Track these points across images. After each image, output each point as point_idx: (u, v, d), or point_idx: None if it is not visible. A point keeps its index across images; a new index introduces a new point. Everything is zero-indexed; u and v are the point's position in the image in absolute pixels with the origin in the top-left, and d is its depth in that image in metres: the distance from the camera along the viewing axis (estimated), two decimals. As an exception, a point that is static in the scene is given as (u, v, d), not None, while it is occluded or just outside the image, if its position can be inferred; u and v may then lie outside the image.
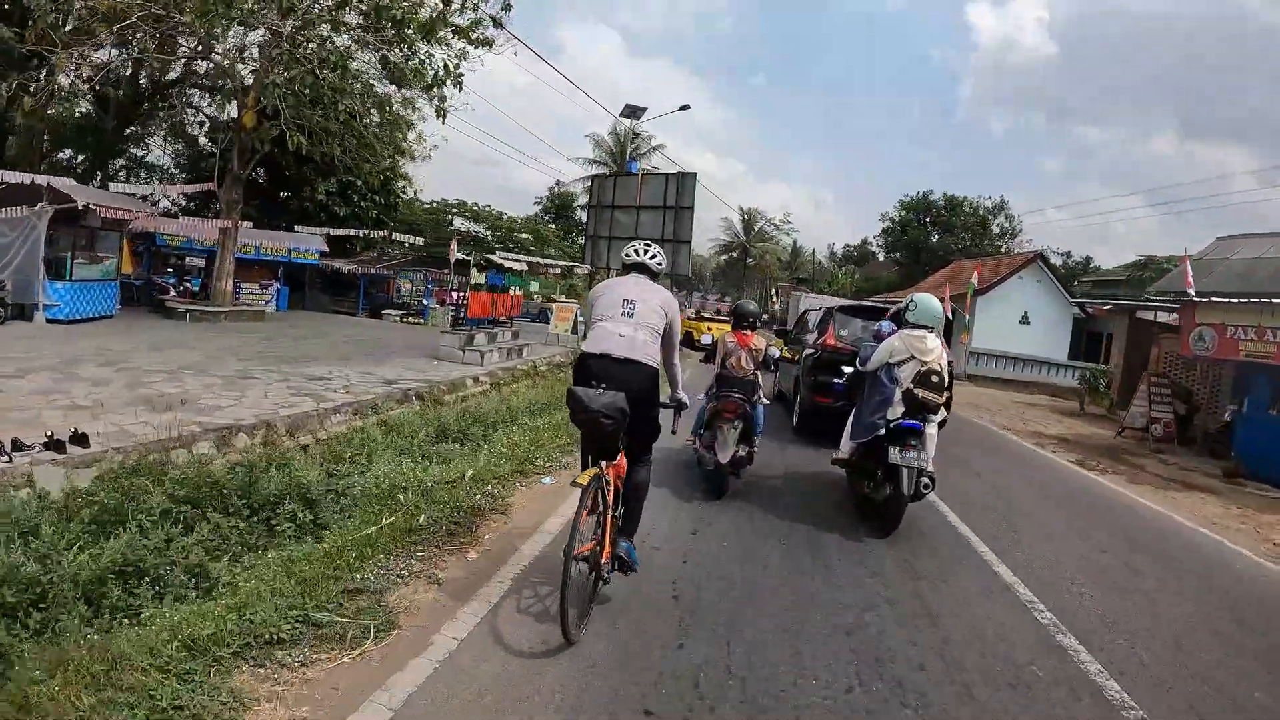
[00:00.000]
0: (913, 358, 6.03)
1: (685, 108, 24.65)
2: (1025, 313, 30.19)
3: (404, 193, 27.46)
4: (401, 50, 16.06)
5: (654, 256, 4.63)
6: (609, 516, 3.97)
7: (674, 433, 5.04)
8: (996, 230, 47.38)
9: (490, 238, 26.75)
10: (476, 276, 13.88)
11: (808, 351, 10.66)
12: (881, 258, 61.89)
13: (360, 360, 12.83)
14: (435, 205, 28.04)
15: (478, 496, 6.03)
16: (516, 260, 21.89)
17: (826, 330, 10.30)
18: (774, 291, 56.12)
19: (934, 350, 6.09)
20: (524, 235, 26.75)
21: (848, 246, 66.81)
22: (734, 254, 70.65)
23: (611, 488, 4.00)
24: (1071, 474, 11.09)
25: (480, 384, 12.85)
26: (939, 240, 45.24)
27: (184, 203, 26.58)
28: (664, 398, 4.47)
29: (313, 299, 25.24)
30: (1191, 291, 13.63)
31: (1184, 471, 12.18)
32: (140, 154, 28.98)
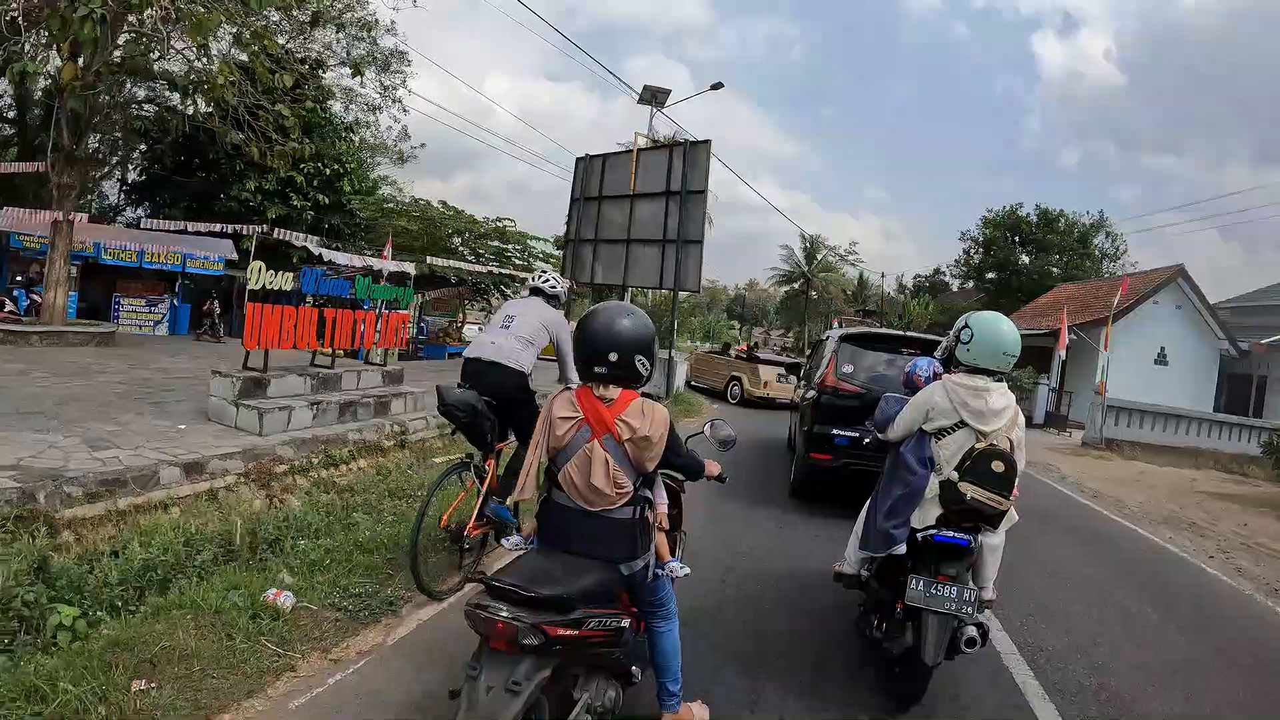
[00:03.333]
0: (963, 424, 3.59)
1: (718, 86, 17.81)
2: (1161, 349, 22.86)
3: (369, 190, 21.62)
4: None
5: (549, 282, 5.35)
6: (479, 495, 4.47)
7: None
8: (1096, 252, 39.73)
9: (452, 240, 20.66)
10: (264, 277, 7.63)
11: (807, 393, 8.57)
12: (955, 288, 54.91)
13: (95, 418, 7.81)
14: (402, 206, 22.08)
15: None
16: (455, 267, 15.92)
17: (827, 365, 7.89)
18: (838, 324, 49.04)
19: (1001, 413, 3.61)
20: (492, 229, 20.38)
21: (919, 276, 59.72)
22: (795, 285, 64.87)
23: (489, 475, 4.63)
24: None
25: (226, 476, 6.64)
26: (1031, 261, 37.74)
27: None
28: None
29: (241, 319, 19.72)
30: None
31: None
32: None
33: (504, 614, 2.39)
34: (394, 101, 28.83)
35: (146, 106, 22.78)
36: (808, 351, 17.21)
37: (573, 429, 2.81)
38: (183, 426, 7.85)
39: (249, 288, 8.15)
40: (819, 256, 63.51)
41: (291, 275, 8.44)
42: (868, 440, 5.37)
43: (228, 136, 15.12)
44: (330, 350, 9.51)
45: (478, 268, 16.46)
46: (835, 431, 7.31)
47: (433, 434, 10.26)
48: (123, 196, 26.79)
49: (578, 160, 16.29)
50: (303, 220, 21.67)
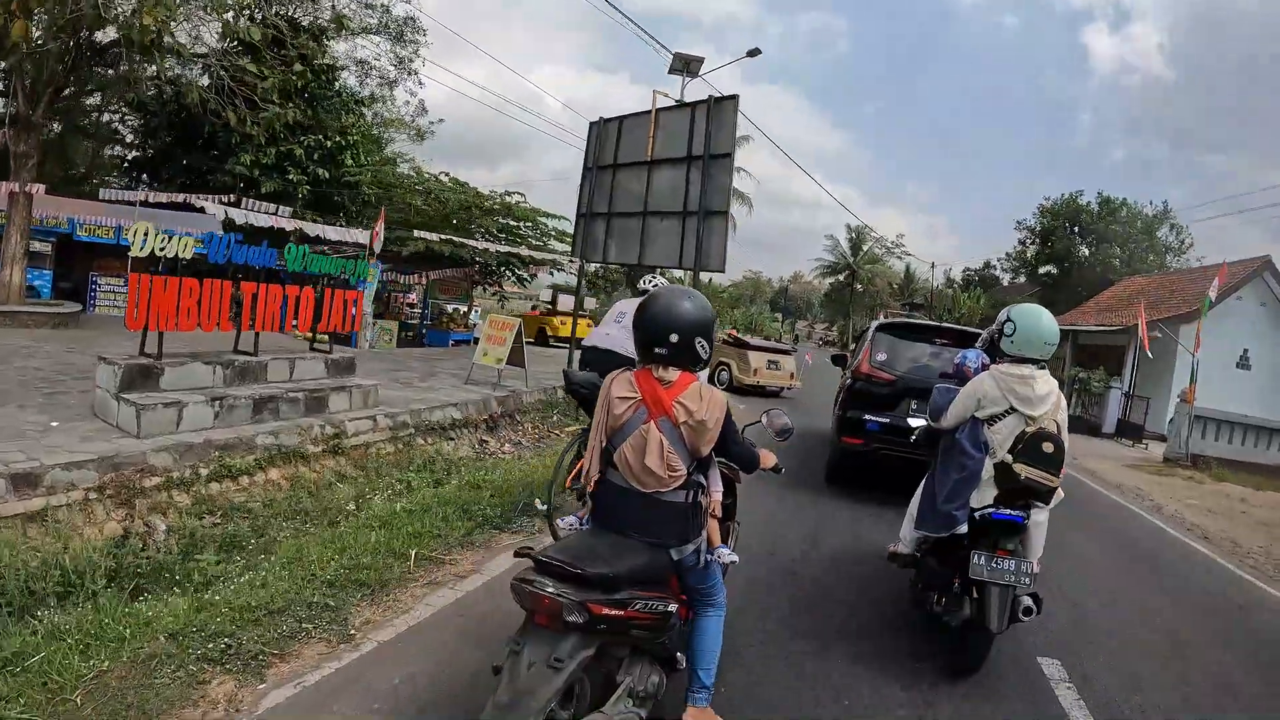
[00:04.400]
0: (1012, 410, 3.95)
1: (755, 53, 15.75)
2: (1245, 352, 20.37)
3: (382, 165, 19.99)
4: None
5: (654, 284, 5.53)
6: None
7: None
8: (1160, 245, 36.83)
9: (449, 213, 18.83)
10: (154, 242, 5.87)
11: (845, 380, 8.84)
12: (1006, 282, 52.27)
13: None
14: (403, 179, 20.24)
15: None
16: (454, 242, 14.01)
17: (862, 353, 8.19)
18: (883, 317, 46.57)
19: (1046, 399, 3.96)
20: (499, 204, 18.37)
21: (968, 270, 57.08)
22: (840, 277, 63.04)
23: None
24: None
25: (71, 491, 5.00)
26: (1090, 254, 35.04)
27: None
28: None
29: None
30: None
31: None
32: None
33: (550, 589, 2.40)
34: (409, 74, 27.40)
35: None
36: (852, 346, 16.31)
37: (630, 409, 2.85)
38: (55, 424, 6.21)
39: (132, 254, 6.44)
40: (865, 248, 61.50)
41: (192, 240, 6.70)
42: (916, 437, 5.07)
43: (191, 96, 13.69)
44: (310, 335, 7.93)
45: (480, 244, 14.67)
46: (867, 417, 7.52)
47: (382, 436, 8.57)
48: (121, 173, 25.59)
49: (591, 125, 14.41)
50: (298, 196, 20.16)
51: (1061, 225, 35.62)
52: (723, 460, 3.29)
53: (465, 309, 21.07)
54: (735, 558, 3.29)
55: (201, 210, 16.65)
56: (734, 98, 11.95)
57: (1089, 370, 18.30)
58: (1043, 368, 4.08)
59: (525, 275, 20.95)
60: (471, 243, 14.36)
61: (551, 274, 21.93)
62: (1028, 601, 3.85)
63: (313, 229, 14.06)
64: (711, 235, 11.74)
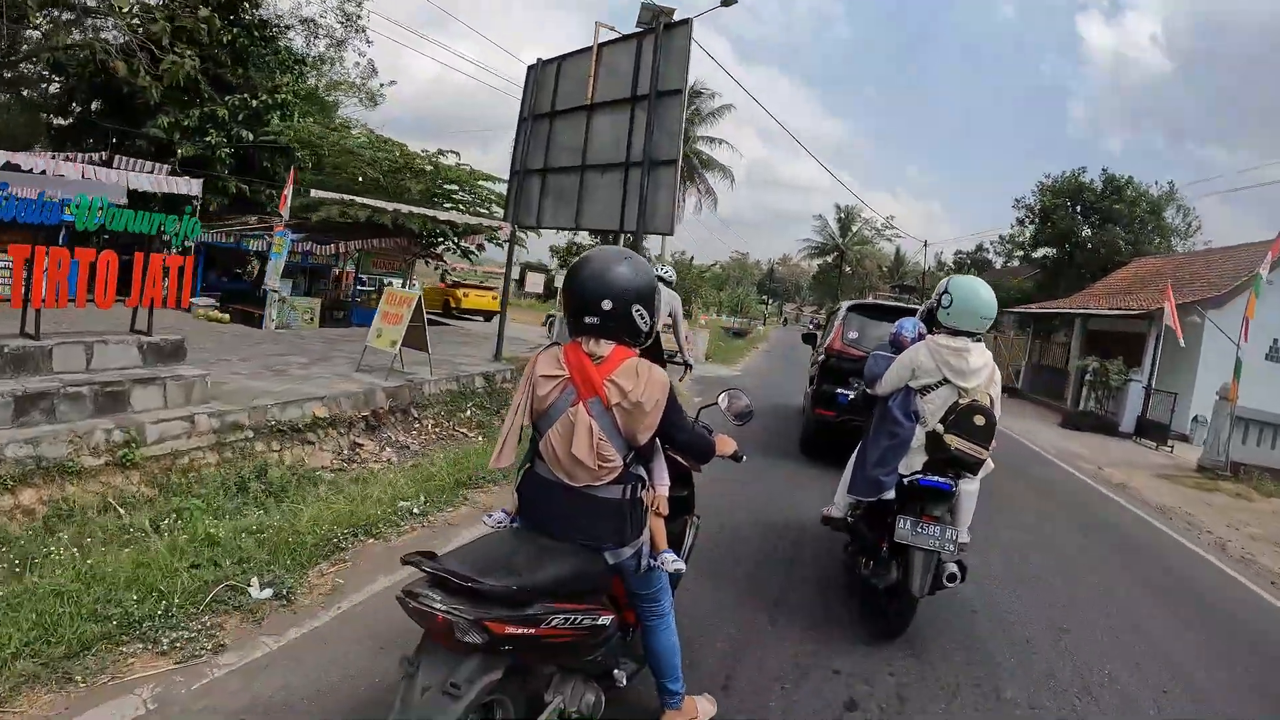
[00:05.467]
0: (946, 381, 3.98)
1: (729, 2, 13.18)
2: (1275, 342, 18.26)
3: (300, 122, 17.53)
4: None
5: (667, 271, 7.56)
6: None
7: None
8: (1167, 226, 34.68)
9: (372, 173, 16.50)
10: None
11: (816, 356, 9.39)
12: (1000, 265, 50.34)
13: None
14: (331, 139, 17.67)
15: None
16: (330, 197, 11.40)
17: (834, 332, 8.70)
18: (874, 299, 44.61)
19: (979, 371, 3.98)
20: (431, 165, 16.02)
21: (960, 253, 55.13)
22: (829, 258, 61.14)
23: None
24: None
25: None
26: (1093, 234, 32.86)
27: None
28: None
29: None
30: None
31: None
32: None
33: (438, 605, 2.01)
34: (356, 30, 25.04)
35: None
36: (822, 323, 15.53)
37: (557, 390, 2.47)
38: None
39: None
40: (854, 229, 59.55)
41: None
42: (854, 396, 4.98)
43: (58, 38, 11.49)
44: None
45: (389, 205, 12.29)
46: (839, 391, 7.72)
47: (202, 443, 6.46)
48: (49, 141, 23.34)
49: (529, 69, 12.19)
50: (218, 159, 17.84)
51: (1063, 204, 33.32)
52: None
53: (402, 284, 18.80)
54: (682, 565, 2.83)
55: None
56: (686, 23, 9.73)
57: (1104, 361, 16.16)
58: (978, 340, 4.07)
59: (470, 247, 18.64)
60: (378, 203, 12.07)
61: (486, 247, 19.47)
62: (953, 568, 3.91)
63: (180, 185, 11.65)
64: (658, 190, 9.55)
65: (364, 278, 18.14)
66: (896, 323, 4.96)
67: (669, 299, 7.14)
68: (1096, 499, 8.72)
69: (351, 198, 12.07)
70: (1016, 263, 47.36)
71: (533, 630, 2.15)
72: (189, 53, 15.85)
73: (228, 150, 17.78)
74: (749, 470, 6.78)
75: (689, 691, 2.94)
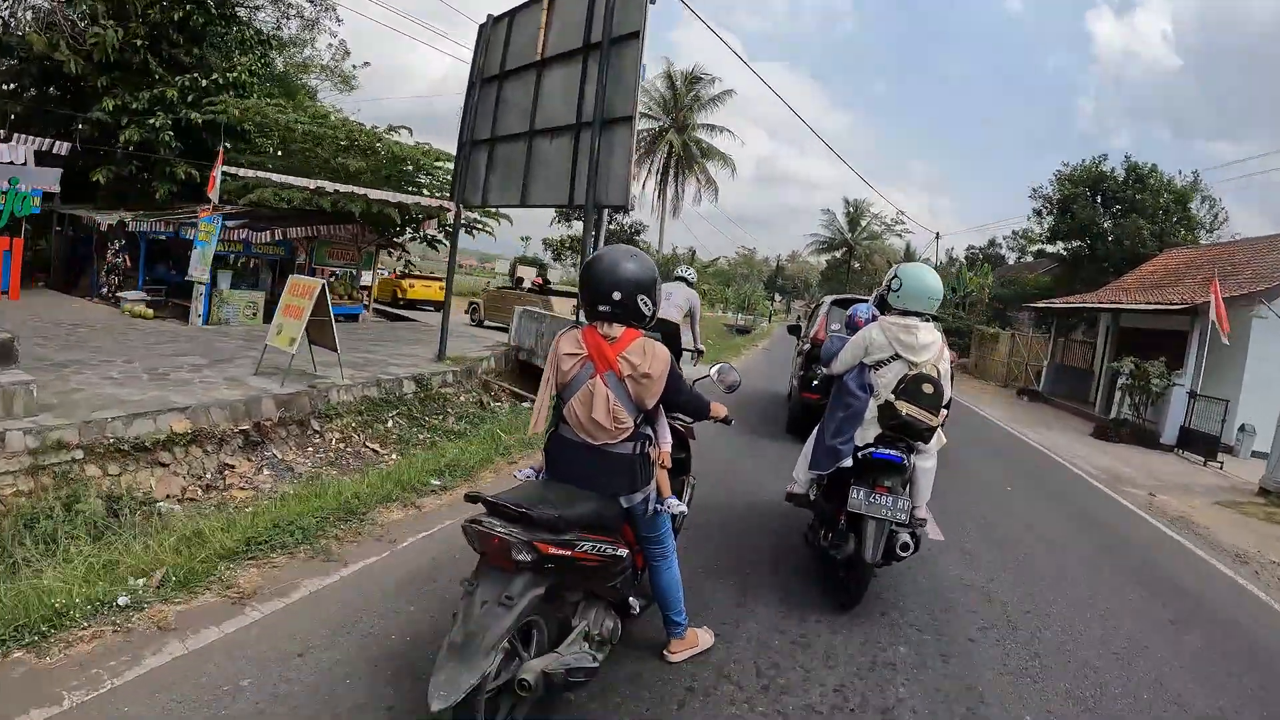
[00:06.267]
0: (898, 357, 4.20)
1: None
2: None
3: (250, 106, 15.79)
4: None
5: (689, 272, 8.51)
6: None
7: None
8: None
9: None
10: None
11: (802, 346, 10.19)
12: (1012, 260, 48.66)
13: None
14: (281, 119, 15.93)
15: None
16: (245, 174, 9.81)
17: (819, 323, 9.50)
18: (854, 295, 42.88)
19: (928, 347, 4.20)
20: (375, 142, 14.31)
21: (971, 249, 53.27)
22: (837, 254, 59.44)
23: None
24: None
25: None
26: (1114, 225, 30.93)
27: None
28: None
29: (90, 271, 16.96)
30: None
31: None
32: None
33: (499, 529, 2.50)
34: (325, 9, 23.58)
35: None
36: (807, 315, 16.08)
37: (577, 365, 2.94)
38: None
39: None
40: (863, 223, 57.54)
41: None
42: (815, 383, 5.47)
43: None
44: None
45: (310, 183, 10.59)
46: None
47: (10, 467, 4.98)
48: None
49: (480, 27, 10.56)
50: (162, 142, 16.29)
51: (1083, 194, 31.42)
52: (676, 415, 3.48)
53: (357, 274, 17.19)
54: (684, 508, 3.46)
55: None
56: (644, -46, 8.04)
57: (1142, 362, 14.26)
58: (927, 321, 4.30)
59: (438, 235, 17.01)
60: (301, 181, 10.41)
61: (430, 234, 17.81)
62: (905, 538, 4.03)
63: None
64: (612, 153, 7.95)
65: (318, 269, 16.55)
66: (851, 308, 5.41)
67: (689, 296, 8.25)
68: (1161, 544, 6.67)
69: (268, 175, 10.43)
70: (1030, 258, 45.41)
71: (569, 553, 2.60)
72: (112, 24, 14.32)
73: (171, 133, 16.20)
74: (743, 448, 7.30)
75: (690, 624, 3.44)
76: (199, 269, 12.35)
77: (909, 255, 53.53)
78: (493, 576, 2.50)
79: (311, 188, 11.31)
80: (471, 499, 2.68)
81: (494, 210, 18.59)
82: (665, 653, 3.33)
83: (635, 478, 2.97)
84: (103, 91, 17.00)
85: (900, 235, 56.06)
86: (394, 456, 7.64)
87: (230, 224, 13.74)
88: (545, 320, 11.83)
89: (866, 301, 9.28)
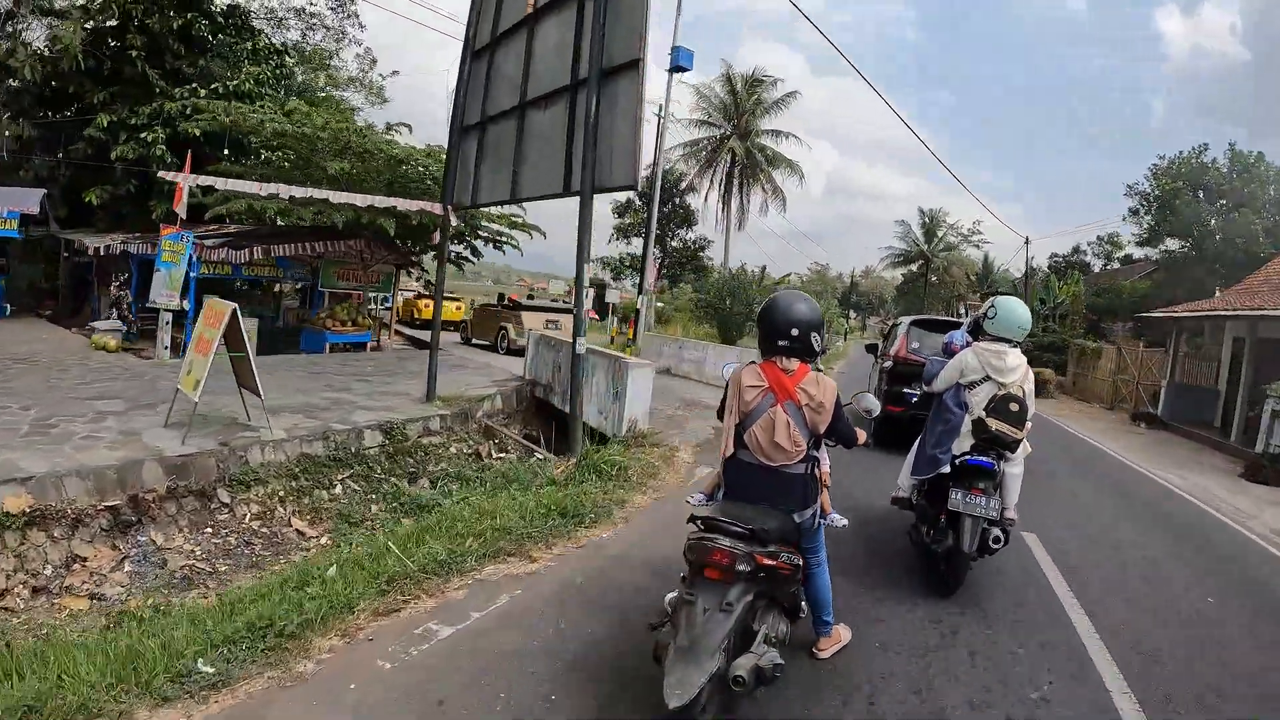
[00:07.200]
0: (988, 378, 4.81)
1: None
2: None
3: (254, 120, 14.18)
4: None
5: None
6: None
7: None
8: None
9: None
10: None
11: (884, 363, 10.40)
12: (1097, 268, 45.05)
13: None
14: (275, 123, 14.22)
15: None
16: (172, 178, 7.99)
17: (899, 342, 9.97)
18: (963, 310, 39.64)
19: (1015, 370, 4.82)
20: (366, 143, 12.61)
21: (1054, 256, 49.88)
22: (914, 267, 57.08)
23: None
24: None
25: None
26: (1218, 223, 27.57)
27: None
28: None
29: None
30: None
31: None
32: None
33: (725, 543, 2.84)
34: (348, 15, 22.34)
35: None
36: (884, 335, 16.01)
37: (759, 395, 3.27)
38: None
39: None
40: (939, 234, 54.40)
41: None
42: (915, 399, 6.40)
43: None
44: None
45: (294, 190, 8.72)
46: (905, 390, 8.84)
47: None
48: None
49: (473, -6, 8.62)
50: (156, 157, 14.90)
51: (1184, 189, 28.13)
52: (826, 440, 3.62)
53: (361, 302, 15.46)
54: (845, 522, 3.82)
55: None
56: None
57: (1269, 381, 11.43)
58: (1015, 347, 4.84)
59: (464, 253, 15.24)
60: (246, 187, 8.49)
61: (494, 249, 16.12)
62: (997, 533, 4.57)
63: None
64: (615, 114, 5.94)
65: (324, 292, 14.87)
66: (948, 334, 5.93)
67: None
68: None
69: (241, 184, 8.57)
70: (1116, 264, 41.87)
71: (773, 563, 2.94)
72: (73, 27, 13.01)
73: (163, 146, 14.79)
74: (832, 458, 6.32)
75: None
76: (165, 294, 10.72)
77: (988, 266, 50.33)
78: (709, 587, 2.82)
79: (263, 194, 9.50)
80: (695, 518, 3.06)
81: (521, 222, 16.86)
82: (814, 650, 3.65)
83: (807, 495, 3.31)
84: (100, 107, 15.89)
85: (978, 245, 52.64)
86: (324, 540, 5.66)
87: (210, 243, 12.16)
88: (562, 349, 9.86)
89: (948, 319, 10.71)
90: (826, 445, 3.71)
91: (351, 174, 12.12)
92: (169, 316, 10.98)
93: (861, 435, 3.63)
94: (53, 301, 17.79)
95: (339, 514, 6.01)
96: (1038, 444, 7.74)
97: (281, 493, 6.09)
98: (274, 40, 20.24)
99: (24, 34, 17.53)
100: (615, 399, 7.94)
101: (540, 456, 7.94)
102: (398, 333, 18.80)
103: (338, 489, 6.45)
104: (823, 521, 3.53)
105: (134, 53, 15.69)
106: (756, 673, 2.73)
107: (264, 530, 5.73)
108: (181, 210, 10.69)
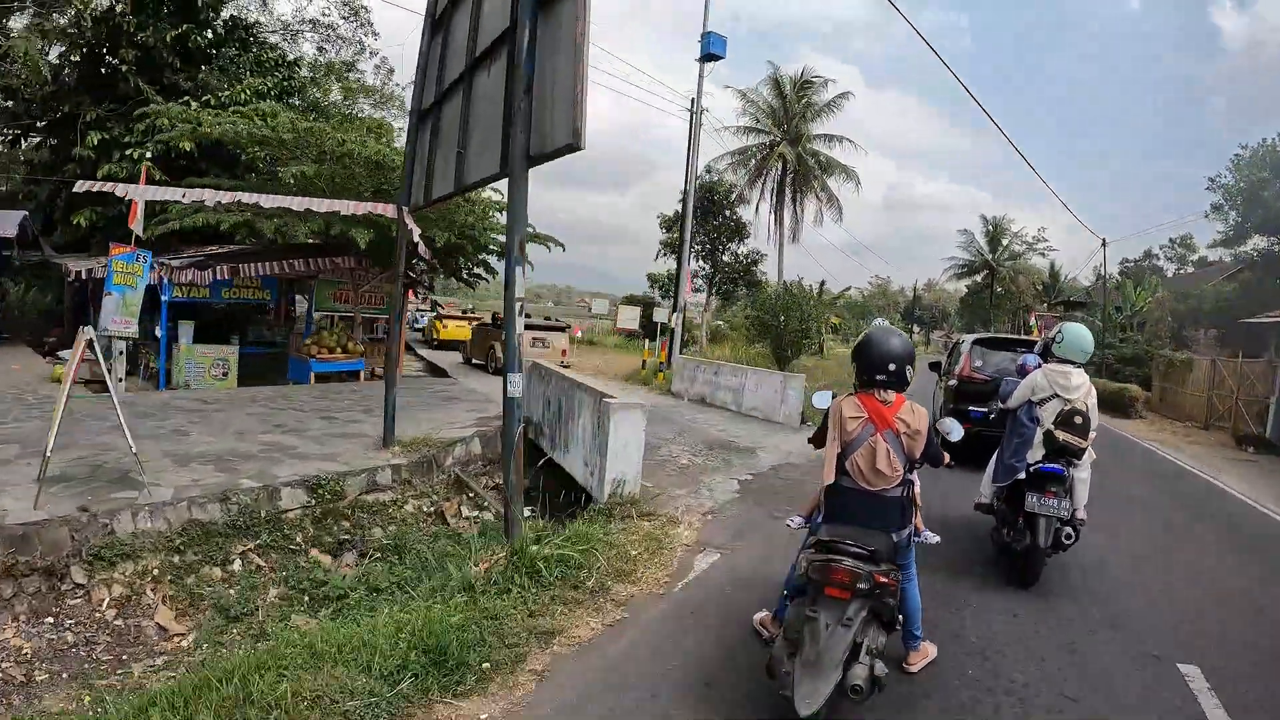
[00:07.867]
0: (1056, 395, 5.45)
1: None
2: None
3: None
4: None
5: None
6: None
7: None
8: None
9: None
10: None
11: (949, 382, 10.73)
12: (1170, 272, 42.32)
13: None
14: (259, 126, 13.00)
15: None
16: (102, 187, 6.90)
17: (964, 361, 10.32)
18: (1031, 321, 36.80)
19: (1079, 388, 5.46)
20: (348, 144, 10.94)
21: (1125, 261, 46.91)
22: (978, 278, 54.14)
23: None
24: None
25: None
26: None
27: None
28: None
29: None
30: None
31: None
32: None
33: (848, 564, 3.07)
34: (361, 23, 21.52)
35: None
36: (946, 352, 15.45)
37: (860, 425, 3.49)
38: None
39: None
40: (1004, 243, 51.61)
41: None
42: (992, 415, 6.72)
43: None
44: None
45: (223, 195, 7.52)
46: (970, 408, 9.12)
47: None
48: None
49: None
50: (139, 174, 14.02)
51: (1271, 178, 25.48)
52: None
53: (358, 326, 14.14)
54: (937, 538, 3.90)
55: None
56: None
57: None
58: (1079, 368, 5.47)
59: (480, 272, 13.98)
60: (167, 193, 7.27)
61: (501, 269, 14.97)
62: (1069, 531, 5.18)
63: None
64: (556, 53, 4.40)
65: (317, 316, 13.69)
66: (1022, 356, 6.85)
67: None
68: None
69: (201, 193, 7.35)
70: (1190, 268, 38.88)
71: (885, 580, 3.10)
72: (27, 36, 12.10)
73: (150, 161, 13.83)
74: None
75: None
76: (117, 320, 9.54)
77: (1054, 275, 47.50)
78: (829, 604, 3.06)
79: (184, 200, 8.24)
80: (815, 542, 3.29)
81: (532, 232, 15.48)
82: (905, 664, 3.81)
83: (904, 515, 3.52)
84: (93, 125, 15.09)
85: (1043, 254, 49.69)
86: (189, 639, 4.24)
87: (177, 263, 11.03)
88: (552, 380, 8.40)
89: (1007, 337, 12.32)
90: (917, 468, 3.87)
91: (316, 180, 10.78)
92: (122, 346, 9.82)
93: (945, 457, 3.84)
94: (59, 329, 17.09)
95: (216, 605, 4.58)
96: (1147, 484, 8.14)
97: (156, 570, 4.70)
98: (288, 53, 19.46)
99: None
100: (599, 451, 6.36)
101: (529, 518, 6.39)
102: (410, 355, 17.59)
103: (235, 565, 5.04)
104: (916, 539, 3.72)
105: (125, 67, 14.87)
106: (872, 681, 3.05)
107: (118, 623, 4.34)
108: (137, 228, 9.58)
